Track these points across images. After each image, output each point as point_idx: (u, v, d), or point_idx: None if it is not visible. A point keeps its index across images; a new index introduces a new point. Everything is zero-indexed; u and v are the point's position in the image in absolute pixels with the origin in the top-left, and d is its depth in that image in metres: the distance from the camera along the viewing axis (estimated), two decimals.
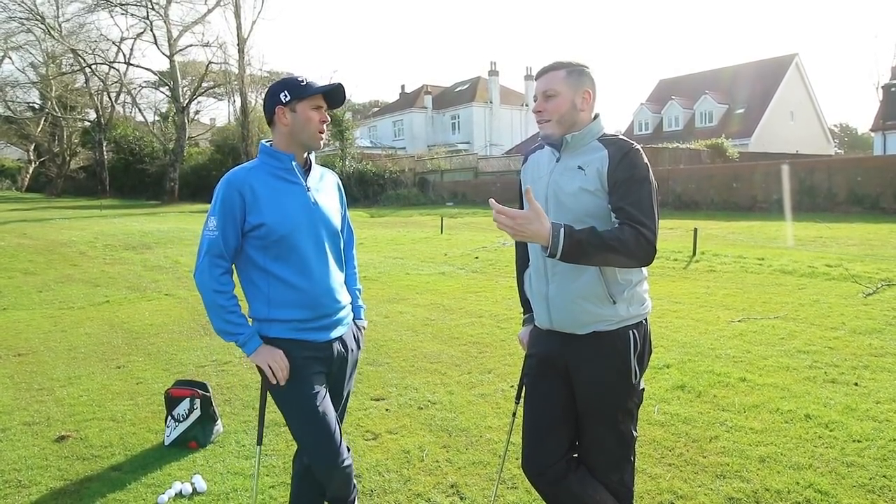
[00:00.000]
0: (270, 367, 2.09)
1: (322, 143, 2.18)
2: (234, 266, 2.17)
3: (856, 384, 4.05)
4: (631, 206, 1.86)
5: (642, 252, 1.84)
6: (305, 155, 2.20)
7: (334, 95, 2.14)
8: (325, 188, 2.27)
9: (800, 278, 7.92)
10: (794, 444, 3.24)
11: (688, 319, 5.99)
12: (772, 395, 3.92)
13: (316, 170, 2.26)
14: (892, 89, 32.13)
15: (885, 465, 2.98)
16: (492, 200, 1.81)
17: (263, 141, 2.20)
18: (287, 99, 2.08)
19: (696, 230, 10.67)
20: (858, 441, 3.23)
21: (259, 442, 2.38)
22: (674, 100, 40.95)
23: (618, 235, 1.81)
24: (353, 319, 2.39)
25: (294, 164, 2.14)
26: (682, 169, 23.31)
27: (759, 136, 36.08)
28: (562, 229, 1.77)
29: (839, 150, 50.42)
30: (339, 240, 2.31)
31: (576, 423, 2.12)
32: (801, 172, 18.73)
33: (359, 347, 2.38)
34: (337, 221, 2.28)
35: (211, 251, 2.08)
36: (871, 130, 33.49)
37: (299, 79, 2.10)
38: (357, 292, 2.46)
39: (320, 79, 2.11)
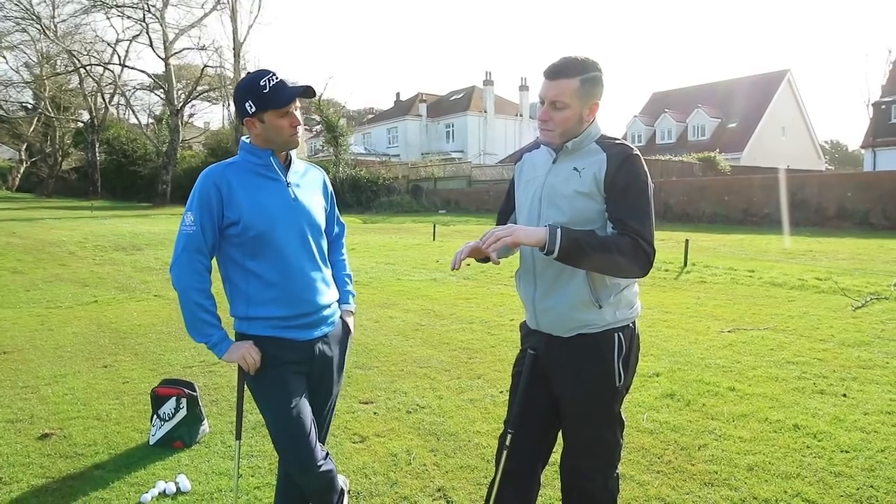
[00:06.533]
0: (245, 360, 2.07)
1: (299, 141, 2.10)
2: (213, 264, 2.13)
3: (844, 395, 4.07)
4: (631, 218, 1.83)
5: (640, 262, 1.82)
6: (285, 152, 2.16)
7: (303, 91, 2.02)
8: (308, 184, 2.23)
9: (790, 291, 7.96)
10: (783, 453, 3.25)
11: (678, 329, 6.00)
12: (761, 404, 3.93)
13: (299, 165, 2.21)
14: (883, 107, 32.59)
15: (872, 475, 2.99)
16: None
17: (244, 138, 2.16)
18: (253, 110, 2.01)
19: (687, 241, 10.73)
20: (846, 451, 3.24)
21: (238, 437, 2.34)
22: (667, 113, 41.32)
23: (616, 241, 1.80)
24: (340, 304, 2.34)
25: (273, 159, 2.10)
26: (675, 181, 23.48)
27: (751, 151, 36.43)
28: (558, 228, 1.78)
29: (830, 167, 50.89)
30: (322, 236, 2.25)
31: (554, 429, 2.12)
32: (792, 187, 18.90)
33: (347, 336, 2.33)
34: (320, 217, 2.23)
35: (189, 246, 2.02)
36: (862, 147, 33.91)
37: (262, 84, 1.98)
38: (347, 278, 2.41)
39: (297, 78, 1.97)
